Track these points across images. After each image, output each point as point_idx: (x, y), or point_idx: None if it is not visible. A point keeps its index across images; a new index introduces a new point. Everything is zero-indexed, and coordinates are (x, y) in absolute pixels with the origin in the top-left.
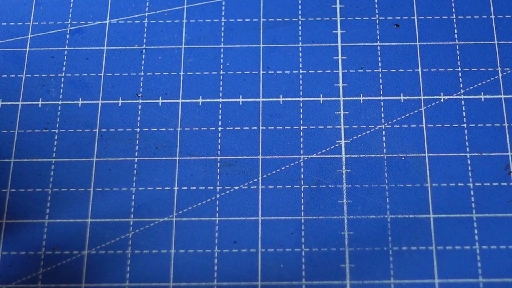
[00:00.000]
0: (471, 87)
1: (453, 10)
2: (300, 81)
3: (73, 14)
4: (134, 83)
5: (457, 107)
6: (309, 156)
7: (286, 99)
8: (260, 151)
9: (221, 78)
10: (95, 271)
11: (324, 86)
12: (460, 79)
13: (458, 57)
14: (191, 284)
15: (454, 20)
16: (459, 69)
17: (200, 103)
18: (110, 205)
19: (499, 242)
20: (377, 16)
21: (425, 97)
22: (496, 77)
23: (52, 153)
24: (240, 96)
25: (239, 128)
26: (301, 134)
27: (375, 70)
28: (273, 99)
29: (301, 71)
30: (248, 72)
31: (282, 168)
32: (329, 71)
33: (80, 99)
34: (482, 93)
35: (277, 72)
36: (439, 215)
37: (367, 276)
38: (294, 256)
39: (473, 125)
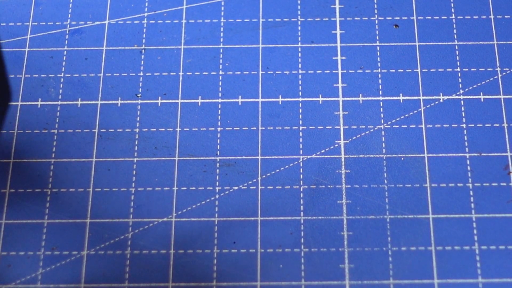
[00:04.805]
0: (470, 87)
1: (452, 10)
2: (300, 82)
3: (72, 15)
4: (133, 83)
5: (456, 107)
6: (309, 157)
7: (286, 99)
8: (260, 152)
9: (220, 78)
10: (94, 271)
11: (324, 87)
12: (460, 79)
13: (458, 57)
14: (190, 284)
15: (454, 20)
16: (458, 69)
17: (199, 104)
18: (109, 205)
19: (499, 242)
20: (376, 16)
21: (424, 97)
22: (496, 77)
23: (51, 153)
24: (240, 97)
25: (238, 128)
26: (300, 135)
27: (375, 71)
28: (273, 100)
29: (300, 72)
30: (247, 73)
31: (282, 169)
32: (328, 71)
33: (79, 99)
34: (481, 93)
35: (277, 72)
36: (438, 215)
37: (367, 276)
38: (293, 257)
39: (472, 125)
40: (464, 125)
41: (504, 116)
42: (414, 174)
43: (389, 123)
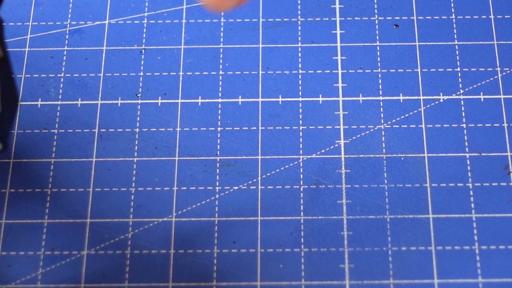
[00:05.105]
0: (470, 87)
1: (453, 10)
2: (300, 81)
3: (73, 15)
4: (134, 83)
5: (456, 107)
6: (309, 156)
7: (286, 99)
8: (260, 151)
9: (221, 78)
10: (94, 271)
11: (324, 86)
12: (460, 79)
13: (458, 57)
14: (190, 284)
15: (454, 20)
16: (459, 69)
17: (200, 103)
18: (110, 205)
19: (499, 242)
20: (376, 16)
21: (425, 97)
22: (496, 77)
23: (52, 153)
24: (240, 96)
25: (238, 128)
26: (301, 134)
27: (375, 70)
28: (273, 99)
29: (300, 71)
30: (247, 72)
31: (282, 168)
32: (328, 71)
33: (80, 99)
34: (481, 93)
35: (277, 72)
36: (438, 215)
37: (367, 276)
38: (293, 256)
39: (473, 125)
40: (464, 125)
41: (504, 116)
42: (414, 174)
43: (389, 123)
